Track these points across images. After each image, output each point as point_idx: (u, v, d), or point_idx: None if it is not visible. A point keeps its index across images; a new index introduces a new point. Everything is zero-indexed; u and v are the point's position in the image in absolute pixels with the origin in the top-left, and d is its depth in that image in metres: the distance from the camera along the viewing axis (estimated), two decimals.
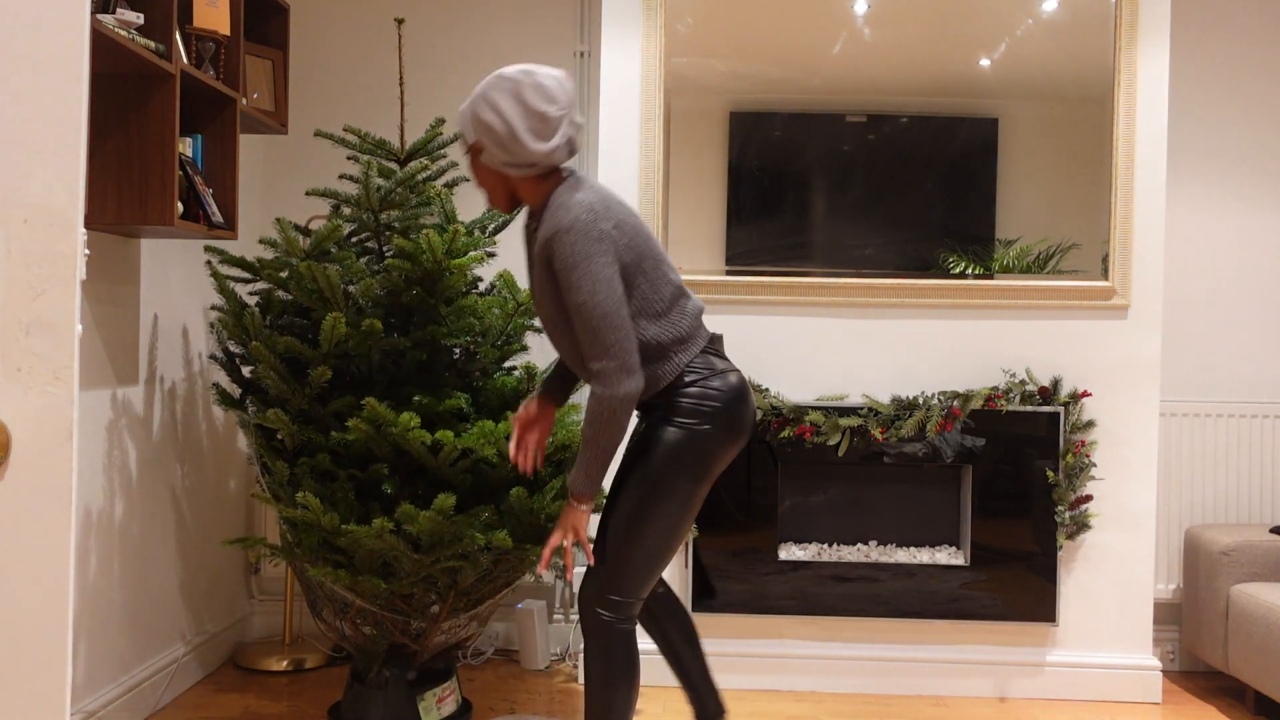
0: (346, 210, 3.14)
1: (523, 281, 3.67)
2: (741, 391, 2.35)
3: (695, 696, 2.59)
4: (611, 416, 2.21)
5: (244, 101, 3.20)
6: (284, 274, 2.98)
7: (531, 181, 2.33)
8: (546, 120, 2.23)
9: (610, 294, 2.20)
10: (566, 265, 2.20)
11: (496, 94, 2.23)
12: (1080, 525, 3.48)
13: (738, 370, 2.40)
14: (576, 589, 3.80)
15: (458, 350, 3.07)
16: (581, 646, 3.58)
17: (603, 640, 2.31)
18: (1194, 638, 3.63)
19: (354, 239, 3.19)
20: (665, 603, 2.56)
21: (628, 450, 2.40)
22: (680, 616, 2.57)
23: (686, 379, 2.32)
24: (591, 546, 2.36)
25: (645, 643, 3.44)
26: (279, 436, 2.92)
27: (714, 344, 2.41)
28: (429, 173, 3.13)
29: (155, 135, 2.78)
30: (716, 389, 2.32)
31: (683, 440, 2.29)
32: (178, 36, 2.83)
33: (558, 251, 2.20)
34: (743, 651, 3.54)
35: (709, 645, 3.55)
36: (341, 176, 3.40)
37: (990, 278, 3.55)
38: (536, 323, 3.21)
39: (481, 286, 3.27)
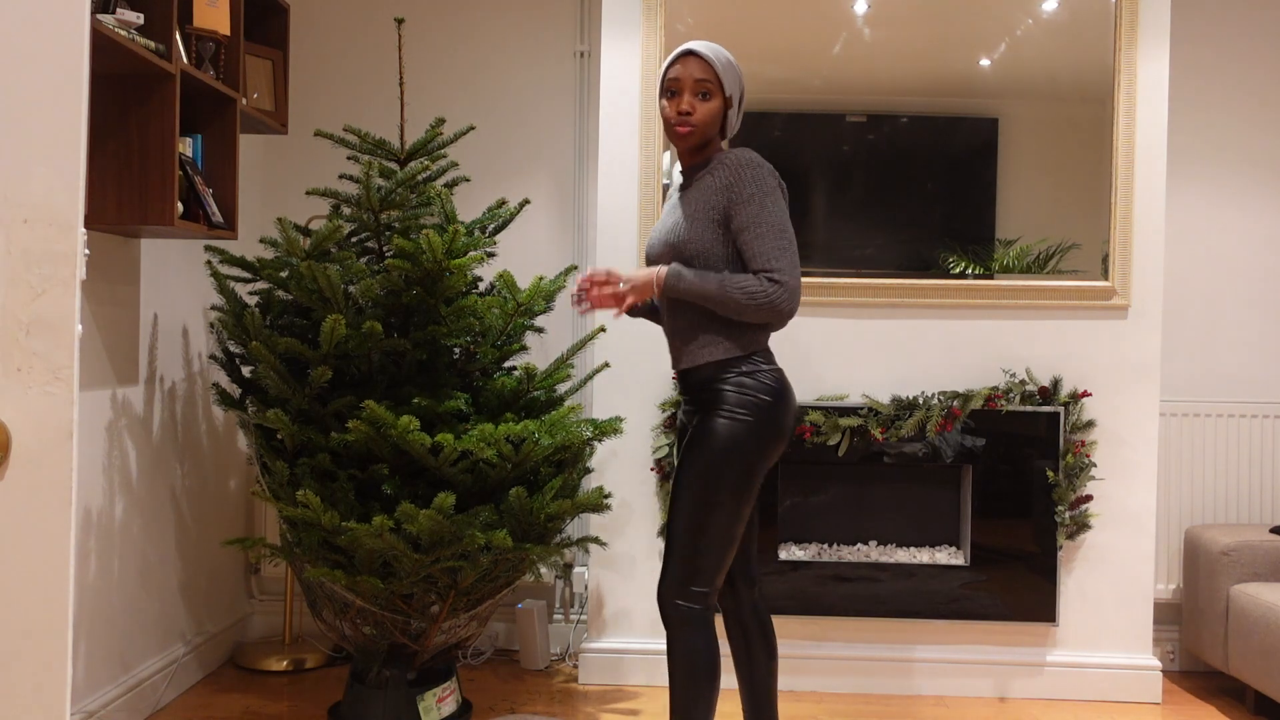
0: (347, 210, 3.14)
1: (523, 282, 3.67)
2: (783, 389, 2.44)
3: (754, 714, 2.62)
4: (749, 302, 2.34)
5: (244, 101, 3.20)
6: (284, 274, 2.98)
7: (719, 140, 2.53)
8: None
9: (789, 227, 2.40)
10: (760, 190, 2.37)
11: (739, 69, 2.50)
12: (1080, 525, 3.48)
13: (780, 370, 2.48)
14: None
15: (457, 350, 3.07)
16: (583, 645, 3.58)
17: (686, 630, 2.38)
18: (1194, 638, 3.63)
19: (354, 239, 3.19)
20: (756, 615, 2.62)
21: (684, 446, 2.46)
22: (768, 632, 2.62)
23: (736, 368, 2.41)
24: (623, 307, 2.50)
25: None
26: (279, 436, 2.92)
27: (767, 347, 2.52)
28: (429, 173, 3.13)
29: (155, 135, 2.78)
30: (761, 383, 2.40)
31: (731, 432, 2.37)
32: (178, 36, 2.83)
33: (748, 177, 2.37)
34: None
35: None
36: (342, 176, 3.40)
37: (990, 278, 3.55)
38: (536, 323, 3.22)
39: (481, 287, 3.28)
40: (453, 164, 3.24)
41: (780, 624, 3.54)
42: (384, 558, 2.79)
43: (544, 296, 3.03)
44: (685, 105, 2.42)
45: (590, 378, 3.34)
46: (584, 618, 3.81)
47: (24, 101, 1.26)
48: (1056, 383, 3.50)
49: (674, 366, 2.54)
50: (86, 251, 1.31)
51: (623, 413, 3.48)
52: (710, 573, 2.39)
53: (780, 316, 2.37)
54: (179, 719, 3.18)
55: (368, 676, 3.01)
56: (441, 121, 3.17)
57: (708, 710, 2.39)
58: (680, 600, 2.38)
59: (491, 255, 3.18)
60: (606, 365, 3.40)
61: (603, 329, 3.33)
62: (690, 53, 2.42)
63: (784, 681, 3.53)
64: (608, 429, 2.98)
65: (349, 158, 3.24)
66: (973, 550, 3.50)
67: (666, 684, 3.50)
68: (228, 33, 3.04)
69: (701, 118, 2.42)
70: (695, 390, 2.47)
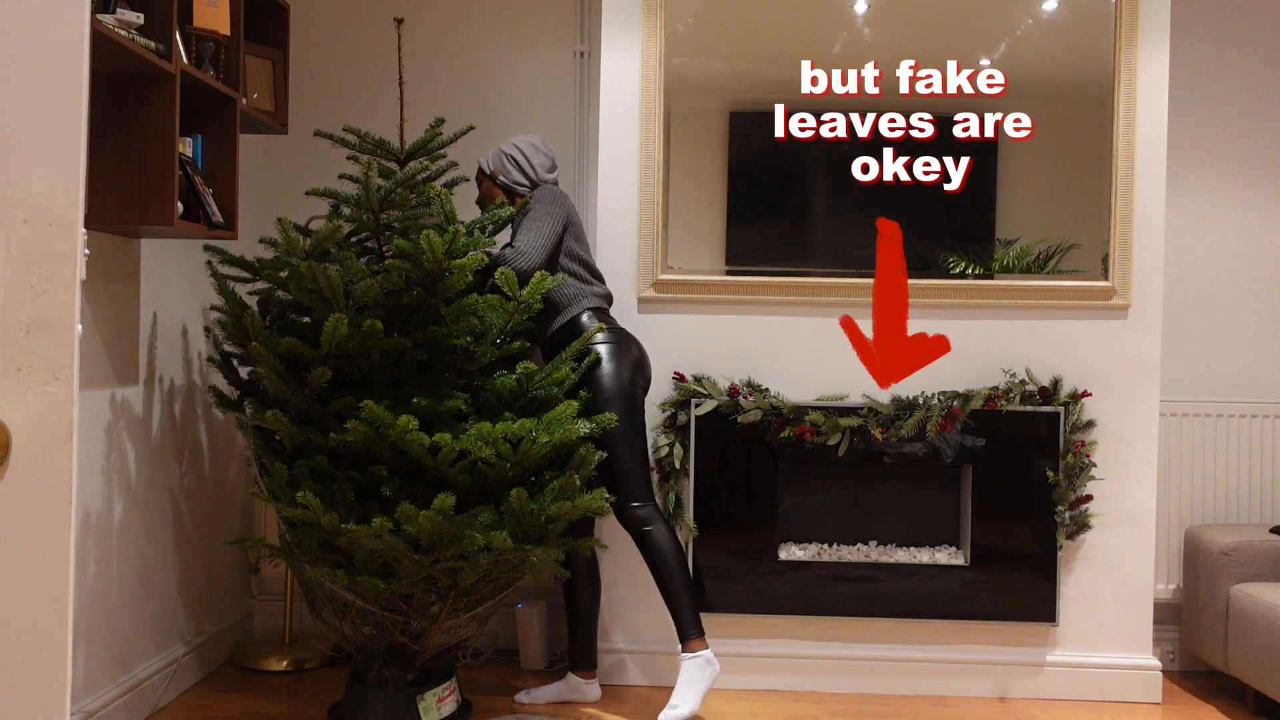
0: (346, 210, 3.14)
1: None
2: (633, 341, 3.31)
3: (578, 638, 3.34)
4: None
5: (244, 101, 3.20)
6: (284, 274, 2.98)
7: (519, 192, 3.39)
8: (549, 159, 3.40)
9: (554, 231, 3.23)
10: (540, 202, 3.27)
11: (519, 141, 3.37)
12: (1080, 525, 3.48)
13: (625, 329, 3.33)
14: None
15: (458, 350, 3.06)
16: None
17: (639, 531, 3.17)
18: (1194, 638, 3.63)
19: (354, 239, 3.18)
20: (592, 564, 3.36)
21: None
22: (595, 576, 3.38)
23: (599, 335, 3.21)
24: None
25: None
26: (277, 438, 2.92)
27: (607, 312, 3.34)
28: (429, 173, 3.13)
29: (155, 135, 2.78)
30: (618, 341, 3.24)
31: (608, 378, 3.17)
32: (178, 36, 2.83)
33: (538, 197, 3.28)
34: (742, 651, 3.54)
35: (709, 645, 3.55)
36: (341, 176, 3.39)
37: (990, 278, 3.55)
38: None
39: None
40: (452, 164, 3.24)
41: (780, 624, 3.54)
42: (384, 558, 2.79)
43: (545, 296, 3.03)
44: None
45: None
46: None
47: (24, 101, 1.26)
48: (1056, 383, 3.50)
49: None
50: (86, 251, 1.31)
51: None
52: (637, 487, 3.19)
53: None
54: (179, 719, 3.18)
55: (368, 676, 3.01)
56: (441, 121, 3.17)
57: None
58: (633, 506, 3.18)
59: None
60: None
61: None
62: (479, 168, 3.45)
63: (784, 681, 3.53)
64: (605, 424, 2.98)
65: (349, 158, 3.24)
66: (973, 550, 3.50)
67: (669, 681, 3.52)
68: (228, 33, 3.04)
69: (486, 195, 3.39)
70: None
